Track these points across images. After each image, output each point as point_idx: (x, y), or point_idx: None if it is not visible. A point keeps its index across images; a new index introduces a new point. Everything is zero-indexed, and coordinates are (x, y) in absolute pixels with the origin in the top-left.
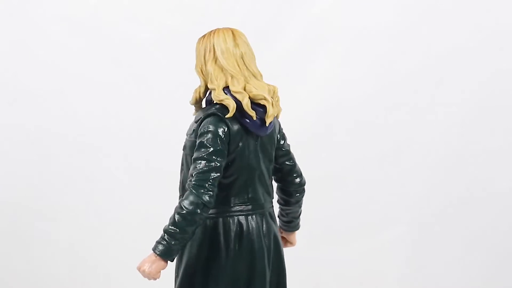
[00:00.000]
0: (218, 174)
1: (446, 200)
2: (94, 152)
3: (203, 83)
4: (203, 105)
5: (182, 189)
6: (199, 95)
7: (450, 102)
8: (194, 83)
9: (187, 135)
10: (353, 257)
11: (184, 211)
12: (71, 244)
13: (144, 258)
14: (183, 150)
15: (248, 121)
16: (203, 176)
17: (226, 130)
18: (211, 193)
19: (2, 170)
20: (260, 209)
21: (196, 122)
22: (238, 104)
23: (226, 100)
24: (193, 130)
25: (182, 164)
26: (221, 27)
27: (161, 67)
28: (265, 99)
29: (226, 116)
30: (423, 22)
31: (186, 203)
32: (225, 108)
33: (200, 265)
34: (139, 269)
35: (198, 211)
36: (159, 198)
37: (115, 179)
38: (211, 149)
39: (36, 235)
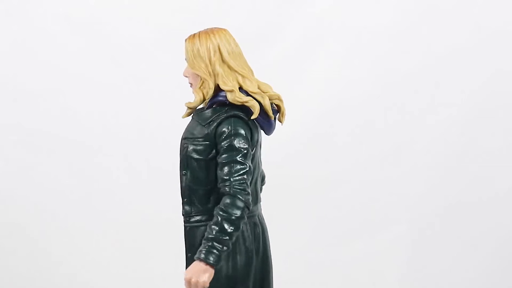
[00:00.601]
0: (251, 176)
1: (446, 200)
2: (94, 152)
3: (211, 85)
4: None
5: (189, 195)
6: (204, 97)
7: (450, 102)
8: None
9: (189, 139)
10: (353, 257)
11: (233, 217)
12: (71, 244)
13: (191, 269)
14: (187, 154)
15: (265, 121)
16: (240, 179)
17: (249, 132)
18: (249, 196)
19: (1, 170)
20: (260, 208)
21: (204, 125)
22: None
23: (250, 101)
24: (206, 133)
25: (184, 169)
26: (213, 27)
27: (161, 67)
28: (279, 98)
29: (251, 118)
30: (423, 22)
31: (231, 208)
32: (241, 109)
33: (223, 271)
34: (189, 280)
35: (244, 215)
36: (159, 198)
37: (115, 179)
38: (242, 151)
39: (36, 235)
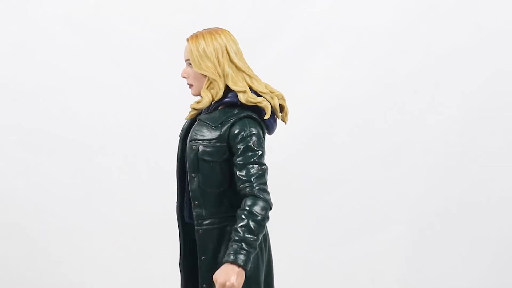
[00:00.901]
0: (268, 175)
1: (446, 200)
2: (94, 152)
3: (221, 86)
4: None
5: (201, 197)
6: (212, 98)
7: (450, 102)
8: None
9: (199, 140)
10: (353, 257)
11: (258, 217)
12: (71, 244)
13: (222, 272)
14: (198, 156)
15: (271, 121)
16: (261, 180)
17: (262, 132)
18: (270, 196)
19: (1, 170)
20: None
21: (215, 126)
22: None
23: (263, 102)
24: (218, 135)
25: (193, 171)
26: (217, 28)
27: (161, 67)
28: (282, 98)
29: (265, 118)
30: (423, 22)
31: (256, 209)
32: (251, 110)
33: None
34: (223, 283)
35: (267, 215)
36: (159, 198)
37: (115, 179)
38: (259, 152)
39: (36, 235)
